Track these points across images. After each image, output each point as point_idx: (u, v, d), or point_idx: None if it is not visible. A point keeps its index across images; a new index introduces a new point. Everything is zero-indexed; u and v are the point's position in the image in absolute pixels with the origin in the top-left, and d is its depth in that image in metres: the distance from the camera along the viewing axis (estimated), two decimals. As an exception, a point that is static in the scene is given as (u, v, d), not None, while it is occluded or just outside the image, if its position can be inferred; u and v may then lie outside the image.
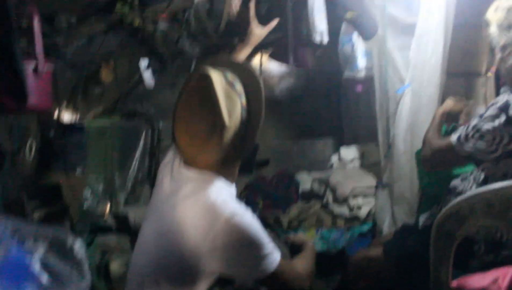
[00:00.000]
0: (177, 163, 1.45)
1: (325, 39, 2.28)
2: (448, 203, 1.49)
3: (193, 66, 2.62)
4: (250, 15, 2.02)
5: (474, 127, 1.55)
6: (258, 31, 1.99)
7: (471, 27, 2.29)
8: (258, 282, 1.41)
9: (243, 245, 1.30)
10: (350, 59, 2.64)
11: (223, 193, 1.36)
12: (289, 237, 2.02)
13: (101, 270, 2.17)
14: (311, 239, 2.30)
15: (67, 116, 2.72)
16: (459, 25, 2.19)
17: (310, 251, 1.69)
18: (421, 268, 1.54)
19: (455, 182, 1.81)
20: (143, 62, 2.56)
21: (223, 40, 2.38)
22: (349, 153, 3.02)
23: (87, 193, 2.68)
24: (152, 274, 1.35)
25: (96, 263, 2.18)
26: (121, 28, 2.39)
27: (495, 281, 1.39)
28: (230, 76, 1.39)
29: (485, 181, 1.63)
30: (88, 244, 2.40)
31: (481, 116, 1.55)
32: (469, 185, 1.72)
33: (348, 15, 2.17)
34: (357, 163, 2.99)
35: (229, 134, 1.32)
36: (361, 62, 2.63)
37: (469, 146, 1.56)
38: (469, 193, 1.45)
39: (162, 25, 2.38)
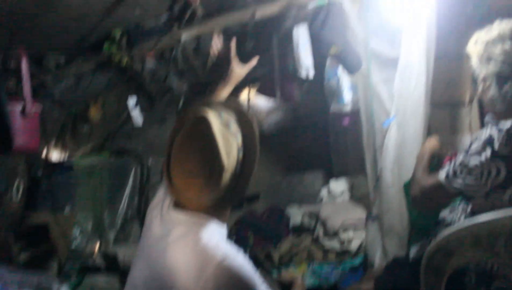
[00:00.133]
0: (166, 205, 1.43)
1: (311, 74, 2.33)
2: (437, 234, 1.49)
3: (181, 103, 2.65)
4: (231, 55, 2.06)
5: (461, 163, 1.54)
6: (239, 70, 2.03)
7: (453, 58, 2.32)
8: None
9: (235, 288, 1.28)
10: (336, 93, 2.65)
11: (215, 236, 1.35)
12: (279, 275, 2.01)
13: (90, 311, 2.14)
14: (300, 274, 2.29)
15: (55, 155, 2.72)
16: (441, 56, 2.21)
17: (300, 288, 1.68)
18: (412, 302, 1.53)
19: (444, 214, 1.81)
20: (131, 100, 2.57)
21: (210, 78, 2.41)
22: (339, 186, 3.02)
23: (76, 232, 2.65)
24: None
25: (85, 304, 2.15)
26: (109, 67, 2.41)
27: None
28: (225, 116, 1.38)
29: (473, 213, 1.62)
30: (77, 285, 2.36)
31: (466, 151, 1.56)
32: (457, 216, 1.72)
33: (332, 50, 2.21)
34: (346, 195, 2.99)
35: (227, 175, 1.32)
36: (347, 95, 2.64)
37: (458, 183, 1.55)
38: (457, 226, 1.45)
39: (150, 63, 2.41)
